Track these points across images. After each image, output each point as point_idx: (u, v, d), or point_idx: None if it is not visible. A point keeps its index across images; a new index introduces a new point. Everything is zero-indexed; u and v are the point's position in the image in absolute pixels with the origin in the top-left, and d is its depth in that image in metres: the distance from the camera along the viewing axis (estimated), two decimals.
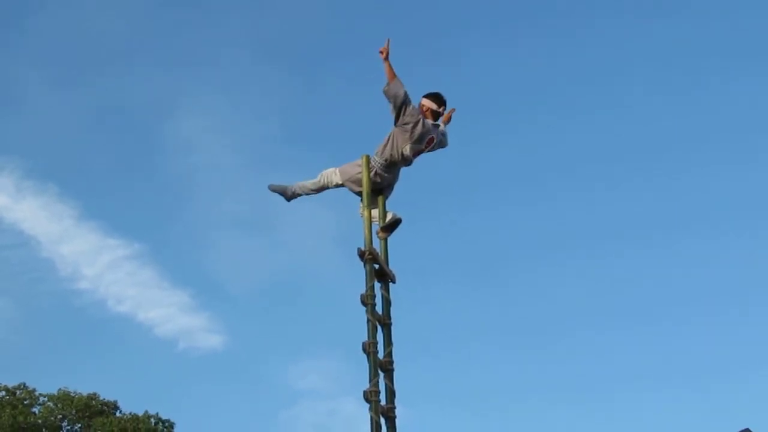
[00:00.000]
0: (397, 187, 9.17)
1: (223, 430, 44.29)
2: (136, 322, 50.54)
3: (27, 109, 56.22)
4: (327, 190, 9.26)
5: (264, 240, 55.34)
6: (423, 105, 9.07)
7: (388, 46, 8.66)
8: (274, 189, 9.40)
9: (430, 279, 50.30)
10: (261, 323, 54.53)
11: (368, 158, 8.85)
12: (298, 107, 59.88)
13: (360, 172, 8.86)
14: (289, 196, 9.35)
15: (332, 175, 9.13)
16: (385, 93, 8.74)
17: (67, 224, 51.76)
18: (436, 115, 9.11)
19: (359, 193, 8.90)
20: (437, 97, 9.13)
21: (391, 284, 8.65)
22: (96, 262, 53.55)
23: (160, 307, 54.10)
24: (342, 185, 9.10)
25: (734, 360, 48.53)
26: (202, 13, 58.77)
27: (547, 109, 57.80)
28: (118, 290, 53.95)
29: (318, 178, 9.22)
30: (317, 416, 47.45)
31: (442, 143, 9.20)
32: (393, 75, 8.67)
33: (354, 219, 9.01)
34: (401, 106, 8.76)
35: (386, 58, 8.64)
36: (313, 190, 9.27)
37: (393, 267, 8.74)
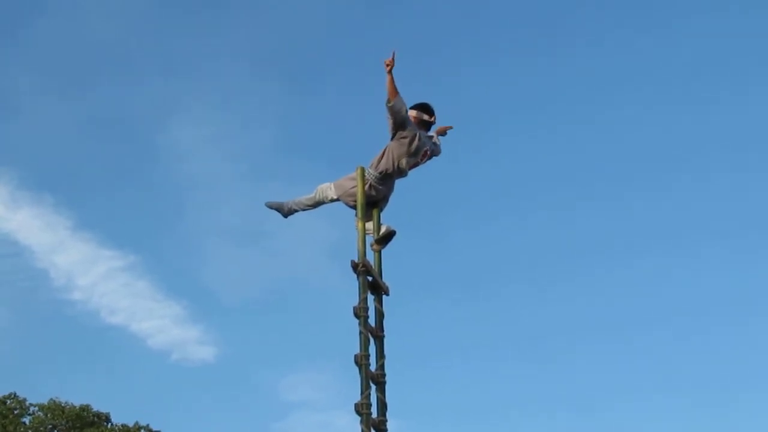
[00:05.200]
0: (390, 200, 9.18)
1: None
2: (129, 333, 50.45)
3: (22, 118, 56.13)
4: (323, 205, 9.27)
5: (258, 251, 55.23)
6: (413, 117, 9.08)
7: (393, 58, 8.60)
8: (271, 206, 9.40)
9: (424, 292, 50.28)
10: (254, 335, 54.42)
11: (363, 170, 8.86)
12: (294, 118, 59.91)
13: (355, 186, 8.86)
14: (286, 212, 9.36)
15: (327, 189, 9.13)
16: (390, 108, 8.71)
17: (62, 234, 51.67)
18: (427, 125, 9.15)
19: (355, 207, 8.91)
20: (426, 108, 9.16)
21: (384, 297, 8.67)
22: (90, 272, 53.53)
23: (154, 319, 54.01)
24: (337, 200, 9.11)
25: (735, 370, 48.53)
26: (198, 23, 58.79)
27: (539, 124, 57.92)
28: (112, 301, 53.96)
29: (314, 194, 9.22)
30: (309, 429, 47.33)
31: (434, 152, 9.24)
32: (395, 90, 8.65)
33: (348, 231, 9.03)
34: (402, 122, 8.77)
35: (390, 71, 8.61)
36: (309, 206, 9.27)
37: (386, 280, 8.76)
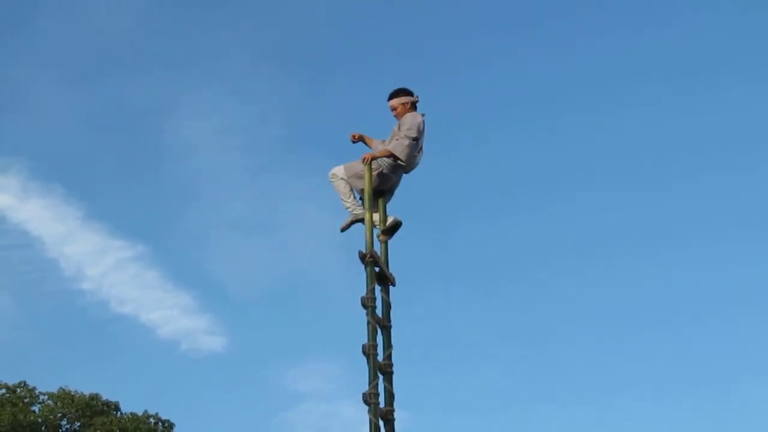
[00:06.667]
0: (398, 191, 9.19)
1: (222, 431, 44.36)
2: (139, 323, 50.71)
3: (32, 110, 56.42)
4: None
5: (266, 242, 55.46)
6: (403, 104, 9.15)
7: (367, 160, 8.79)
8: (346, 228, 9.07)
9: (431, 283, 50.40)
10: (262, 326, 54.66)
11: (371, 161, 8.87)
12: (302, 110, 60.05)
13: (363, 168, 8.87)
14: (360, 218, 8.95)
15: (339, 171, 9.10)
16: (410, 160, 8.86)
17: (72, 225, 51.96)
18: (415, 106, 9.21)
19: (361, 190, 8.92)
20: (407, 91, 9.23)
21: (391, 287, 8.68)
22: (100, 263, 53.76)
23: (163, 309, 54.32)
24: (346, 180, 9.06)
25: (735, 368, 48.55)
26: (206, 16, 58.99)
27: (549, 116, 57.95)
28: (121, 291, 54.24)
29: (338, 190, 9.06)
30: (317, 419, 47.48)
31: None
32: (385, 151, 8.84)
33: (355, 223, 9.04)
34: (417, 138, 8.90)
35: (369, 162, 8.77)
36: (349, 200, 9.01)
37: (393, 270, 8.78)
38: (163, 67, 59.81)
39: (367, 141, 9.26)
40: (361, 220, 8.87)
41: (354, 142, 9.29)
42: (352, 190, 9.08)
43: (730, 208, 53.79)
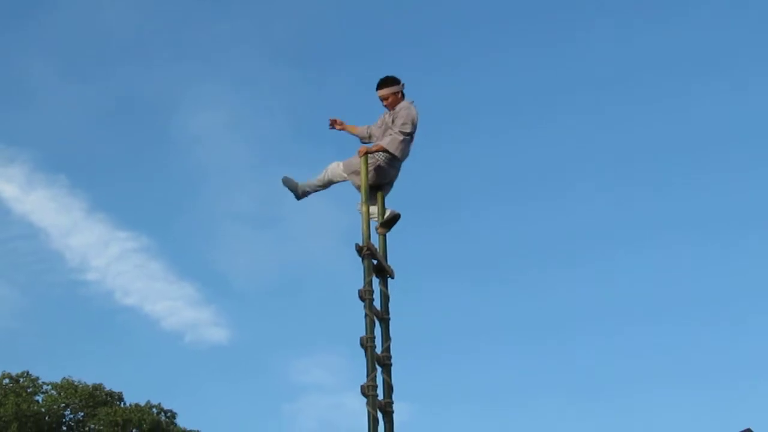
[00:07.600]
0: (398, 183, 9.20)
1: (225, 422, 44.51)
2: (143, 315, 50.82)
3: (38, 102, 56.53)
4: (334, 185, 9.24)
5: (270, 235, 55.50)
6: (394, 93, 9.14)
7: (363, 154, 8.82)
8: (286, 183, 9.35)
9: (430, 275, 50.43)
10: (266, 318, 54.76)
11: (366, 155, 8.87)
12: (307, 104, 59.96)
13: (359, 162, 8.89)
14: (300, 195, 9.32)
15: (336, 168, 9.12)
16: (402, 153, 8.88)
17: (77, 216, 52.06)
18: (403, 93, 9.21)
19: (360, 187, 8.92)
20: (394, 79, 9.21)
21: (389, 280, 8.68)
22: (104, 254, 53.82)
23: (167, 300, 54.47)
24: (346, 178, 9.10)
25: (737, 360, 48.59)
26: (214, 9, 58.99)
27: (551, 111, 57.95)
28: (126, 282, 54.29)
29: (322, 174, 9.20)
30: (320, 410, 47.58)
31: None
32: (379, 146, 8.86)
33: (357, 215, 9.04)
34: (412, 133, 8.94)
35: (365, 155, 8.79)
36: (320, 186, 9.24)
37: (392, 263, 8.78)
38: (170, 59, 59.87)
39: (349, 129, 9.29)
40: (300, 195, 9.24)
41: (331, 128, 9.31)
42: (330, 184, 9.19)
43: (730, 207, 53.84)
